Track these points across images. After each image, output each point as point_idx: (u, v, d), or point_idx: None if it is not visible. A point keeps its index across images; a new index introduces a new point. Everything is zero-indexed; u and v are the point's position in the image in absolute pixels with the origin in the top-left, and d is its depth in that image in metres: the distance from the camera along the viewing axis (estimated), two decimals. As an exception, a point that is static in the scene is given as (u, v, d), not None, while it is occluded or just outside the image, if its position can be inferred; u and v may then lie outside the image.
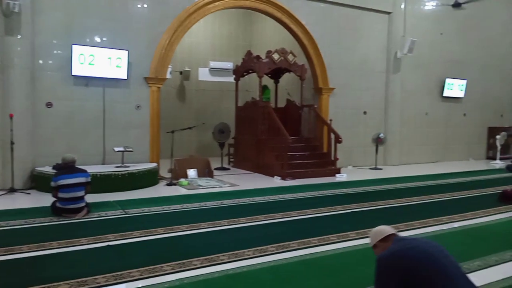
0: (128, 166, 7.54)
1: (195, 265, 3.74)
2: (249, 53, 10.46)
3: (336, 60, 10.73)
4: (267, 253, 4.13)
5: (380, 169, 10.75)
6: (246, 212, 5.86)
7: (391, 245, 2.46)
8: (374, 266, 2.46)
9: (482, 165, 12.22)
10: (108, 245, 4.26)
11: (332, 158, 9.68)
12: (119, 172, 7.24)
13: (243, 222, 5.34)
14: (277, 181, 8.56)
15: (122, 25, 8.16)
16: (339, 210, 6.14)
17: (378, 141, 10.77)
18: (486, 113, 13.90)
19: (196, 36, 12.83)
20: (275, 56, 9.76)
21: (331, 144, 9.76)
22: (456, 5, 12.34)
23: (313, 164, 9.42)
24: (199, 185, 7.76)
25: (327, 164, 9.64)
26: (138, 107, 8.35)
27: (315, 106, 10.23)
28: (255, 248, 4.23)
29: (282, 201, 6.73)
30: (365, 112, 11.38)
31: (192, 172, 8.57)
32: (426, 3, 12.20)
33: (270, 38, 12.92)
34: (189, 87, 13.01)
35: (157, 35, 8.46)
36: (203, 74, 12.63)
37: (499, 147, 12.58)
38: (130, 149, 7.78)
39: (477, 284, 3.40)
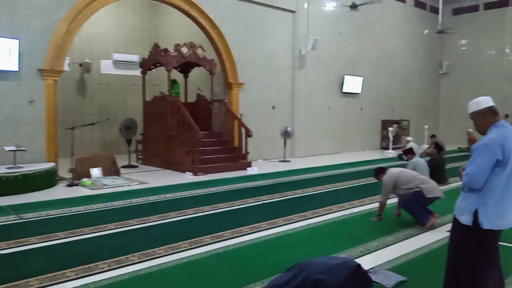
0: (22, 167, 6.81)
1: (102, 268, 3.53)
2: (156, 46, 10.11)
3: (245, 55, 10.88)
4: (179, 249, 4.05)
5: (289, 161, 11.20)
6: (156, 210, 5.68)
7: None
8: (287, 252, 2.55)
9: (377, 154, 13.39)
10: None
11: (243, 152, 9.82)
12: (12, 174, 6.51)
13: (154, 220, 5.17)
14: (188, 177, 8.44)
15: (11, 10, 7.32)
16: (251, 202, 6.26)
17: (286, 134, 11.19)
18: (380, 107, 15.25)
19: (97, 26, 12.04)
20: (184, 50, 9.57)
21: (242, 139, 9.90)
22: (353, 7, 13.29)
23: (224, 158, 9.47)
24: (104, 185, 7.31)
25: (238, 158, 9.76)
26: (31, 101, 7.58)
27: (226, 101, 10.27)
28: (167, 246, 4.13)
29: (194, 197, 6.65)
30: (273, 107, 11.74)
31: (96, 171, 8.04)
32: (327, 4, 12.95)
33: (178, 32, 12.64)
34: (90, 80, 12.16)
35: (53, 23, 7.75)
36: (106, 67, 11.88)
37: (391, 138, 13.89)
38: (23, 148, 7.04)
39: (376, 262, 3.73)
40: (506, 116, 15.02)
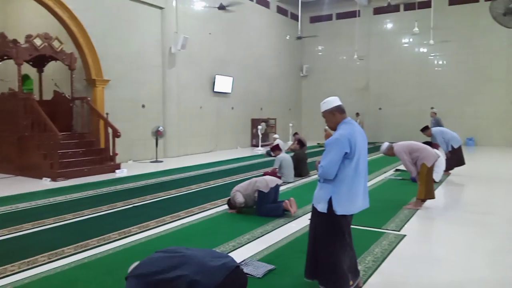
0: None
1: None
2: (3, 36, 8.85)
3: (110, 51, 10.25)
4: (37, 264, 3.62)
5: (161, 161, 10.93)
6: (6, 222, 4.98)
7: None
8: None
9: (248, 152, 13.97)
10: None
11: (111, 154, 9.25)
12: None
13: (3, 234, 4.52)
14: (46, 183, 7.60)
15: None
16: (120, 206, 5.93)
17: (158, 134, 10.91)
18: (249, 106, 15.94)
19: None
20: (37, 42, 8.58)
21: (109, 139, 9.30)
22: (221, 8, 13.58)
23: (89, 161, 8.78)
24: None
25: (105, 160, 9.15)
26: None
27: (88, 98, 9.53)
28: (21, 262, 3.65)
29: (53, 205, 6.01)
30: (143, 106, 11.32)
31: None
32: (195, 3, 12.99)
33: (30, 22, 11.28)
34: None
35: None
36: None
37: (260, 136, 14.64)
38: None
39: (247, 254, 3.88)
40: (357, 114, 17.14)
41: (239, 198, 5.34)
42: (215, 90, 13.82)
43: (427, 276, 3.43)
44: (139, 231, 4.67)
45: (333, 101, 3.05)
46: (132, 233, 4.58)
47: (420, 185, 5.72)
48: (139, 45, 11.10)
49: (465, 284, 3.26)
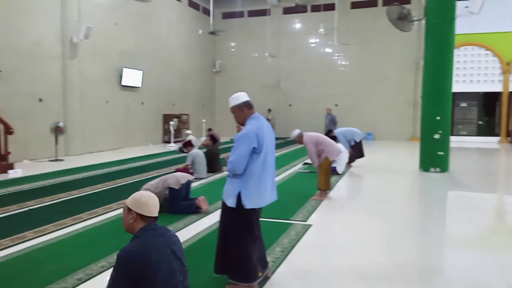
0: None
1: None
2: None
3: (1, 40, 9.20)
4: None
5: (62, 160, 10.13)
6: None
7: None
8: (60, 261, 2.26)
9: (159, 148, 13.58)
10: None
11: (2, 152, 8.33)
12: None
13: None
14: None
15: None
16: (14, 210, 5.36)
17: (58, 130, 10.07)
18: (161, 101, 15.48)
19: None
20: None
21: (0, 137, 8.37)
22: (129, -2, 12.96)
23: (-25, 161, 7.82)
24: None
25: (-5, 159, 8.22)
26: None
27: (-26, 91, 8.48)
28: None
29: None
30: (40, 100, 10.37)
31: None
32: (101, -9, 12.23)
33: None
34: None
35: None
36: None
37: (172, 132, 14.31)
38: None
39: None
40: (269, 110, 17.62)
41: None
42: (122, 83, 13.17)
43: (332, 263, 3.64)
44: (35, 236, 4.27)
45: (241, 97, 3.07)
46: (27, 238, 4.16)
47: (321, 176, 6.06)
48: (36, 34, 10.13)
49: (366, 269, 3.52)
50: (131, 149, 13.15)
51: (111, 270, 2.10)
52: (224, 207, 3.04)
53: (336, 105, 17.84)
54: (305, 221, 4.89)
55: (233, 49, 19.89)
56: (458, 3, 8.79)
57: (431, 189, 7.44)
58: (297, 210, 5.40)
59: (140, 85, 13.96)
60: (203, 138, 14.52)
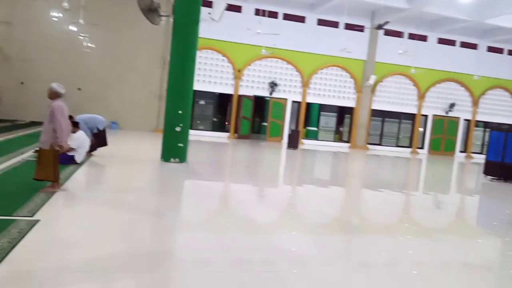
0: None
1: None
2: None
3: None
4: None
5: None
6: None
7: None
8: None
9: None
10: None
11: None
12: None
13: None
14: None
15: None
16: None
17: None
18: None
19: None
20: None
21: None
22: None
23: None
24: None
25: None
26: None
27: None
28: None
29: None
30: None
31: None
32: None
33: None
34: None
35: None
36: None
37: None
38: None
39: None
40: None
41: None
42: None
43: (62, 259, 3.32)
44: None
45: None
46: None
47: (49, 167, 5.42)
48: None
49: (100, 261, 3.36)
50: None
51: None
52: None
53: (79, 89, 16.60)
54: (31, 217, 4.28)
55: None
56: (203, 9, 9.61)
57: (170, 178, 7.88)
58: (23, 205, 4.67)
59: None
60: None
